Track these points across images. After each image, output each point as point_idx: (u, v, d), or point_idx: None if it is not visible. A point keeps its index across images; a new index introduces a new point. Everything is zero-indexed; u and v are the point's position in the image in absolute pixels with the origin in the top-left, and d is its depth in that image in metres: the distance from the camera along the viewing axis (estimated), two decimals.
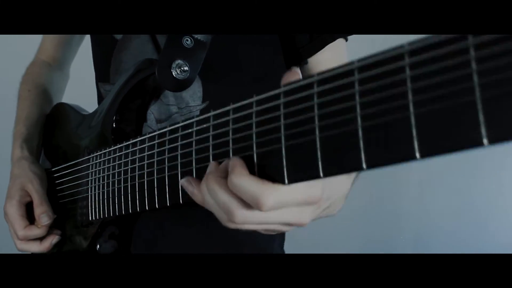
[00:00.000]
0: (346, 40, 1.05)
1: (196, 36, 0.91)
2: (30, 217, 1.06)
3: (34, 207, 1.04)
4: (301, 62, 1.05)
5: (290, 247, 1.22)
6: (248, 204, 0.56)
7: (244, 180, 0.56)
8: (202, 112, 0.99)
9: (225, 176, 0.59)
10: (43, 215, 1.03)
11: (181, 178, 0.67)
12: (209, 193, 0.60)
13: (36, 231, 1.03)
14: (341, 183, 0.70)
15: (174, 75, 0.89)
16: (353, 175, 0.73)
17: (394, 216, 2.77)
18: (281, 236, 1.17)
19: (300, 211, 0.58)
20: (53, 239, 1.05)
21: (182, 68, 0.89)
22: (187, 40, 0.91)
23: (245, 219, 0.58)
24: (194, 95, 1.01)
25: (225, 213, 0.59)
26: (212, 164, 0.62)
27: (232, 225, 0.60)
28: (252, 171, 0.57)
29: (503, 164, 2.52)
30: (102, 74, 1.13)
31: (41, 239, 1.05)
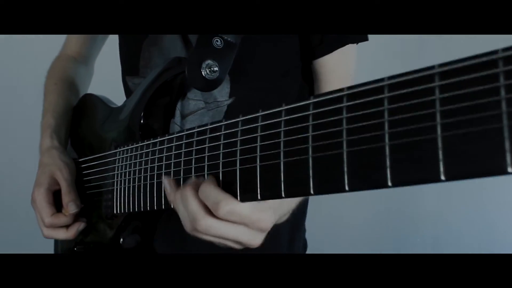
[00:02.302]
0: (357, 43, 1.07)
1: (225, 37, 0.92)
2: (57, 204, 1.07)
3: (62, 195, 1.06)
4: (311, 61, 1.07)
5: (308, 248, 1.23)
6: (212, 214, 0.66)
7: (211, 188, 0.66)
8: (229, 107, 1.00)
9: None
10: (71, 204, 1.04)
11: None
12: (181, 199, 0.69)
13: (62, 219, 1.05)
14: (288, 204, 0.82)
15: (204, 75, 0.90)
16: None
17: (412, 217, 2.77)
18: (292, 240, 1.19)
19: (254, 234, 0.68)
20: (79, 226, 1.06)
21: (212, 69, 0.90)
22: (217, 41, 0.92)
23: (207, 229, 0.67)
24: (222, 91, 1.02)
25: (191, 220, 0.68)
26: (192, 178, 0.72)
27: (195, 233, 0.69)
28: (277, 179, 0.58)
29: None
30: (130, 67, 1.14)
31: (67, 226, 1.07)
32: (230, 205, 0.64)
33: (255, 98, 1.04)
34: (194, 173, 0.72)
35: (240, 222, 0.66)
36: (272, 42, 1.03)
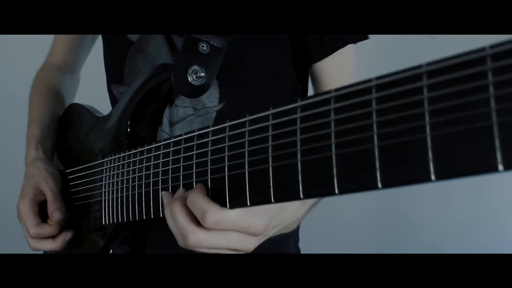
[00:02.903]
0: (355, 43, 1.06)
1: (212, 41, 0.92)
2: (43, 216, 1.06)
3: (48, 205, 1.05)
4: (310, 65, 1.06)
5: (304, 249, 1.23)
6: (202, 227, 0.65)
7: (198, 197, 0.64)
8: (219, 113, 0.99)
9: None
10: (56, 212, 1.03)
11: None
12: (170, 214, 0.69)
13: (48, 229, 1.03)
14: (295, 211, 0.77)
15: (190, 81, 0.89)
16: (309, 202, 0.81)
17: (408, 222, 2.77)
18: (296, 236, 1.18)
19: (245, 239, 0.66)
20: (66, 237, 1.05)
21: (198, 74, 0.89)
22: (203, 46, 0.91)
23: (198, 243, 0.65)
24: (210, 96, 1.01)
25: (181, 236, 0.67)
26: (180, 190, 0.71)
27: (187, 247, 0.68)
28: (266, 184, 0.57)
29: None
30: (115, 75, 1.13)
31: (54, 237, 1.05)
32: (217, 215, 0.63)
33: (245, 104, 1.03)
34: (183, 181, 0.72)
35: (229, 229, 0.64)
36: (260, 46, 1.02)
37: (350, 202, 2.43)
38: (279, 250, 1.10)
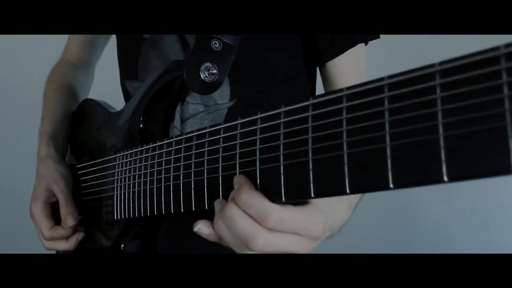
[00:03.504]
0: (366, 44, 1.05)
1: (224, 39, 0.91)
2: (55, 216, 1.08)
3: (60, 208, 1.06)
4: (321, 64, 1.05)
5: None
6: (264, 228, 0.59)
7: (254, 196, 0.58)
8: (230, 110, 0.99)
9: None
10: (68, 217, 1.04)
11: (207, 184, 0.68)
12: (224, 222, 0.61)
13: (61, 232, 1.05)
14: (344, 215, 0.75)
15: (202, 78, 0.89)
16: (354, 205, 0.79)
17: (412, 220, 2.76)
18: None
19: (306, 242, 0.61)
20: (78, 237, 1.07)
21: (210, 71, 0.89)
22: (216, 43, 0.91)
23: (265, 245, 0.59)
24: (222, 93, 1.01)
25: (245, 240, 0.60)
26: (221, 202, 0.64)
27: (248, 252, 0.62)
28: (277, 182, 0.57)
29: None
30: (129, 71, 1.14)
31: (67, 237, 1.07)
32: (277, 213, 0.58)
33: (256, 101, 1.03)
34: (194, 178, 0.71)
35: (290, 230, 0.60)
36: (272, 45, 1.02)
37: None
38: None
